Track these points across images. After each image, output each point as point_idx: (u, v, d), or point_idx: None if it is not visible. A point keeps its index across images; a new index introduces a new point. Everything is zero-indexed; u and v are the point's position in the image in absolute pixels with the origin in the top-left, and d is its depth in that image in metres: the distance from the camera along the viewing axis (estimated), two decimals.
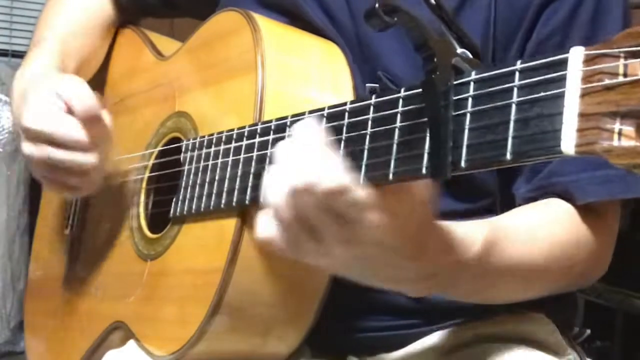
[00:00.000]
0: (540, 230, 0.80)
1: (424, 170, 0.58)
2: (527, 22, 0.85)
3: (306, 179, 0.58)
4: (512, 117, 0.53)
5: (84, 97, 0.89)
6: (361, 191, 0.58)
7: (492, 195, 0.90)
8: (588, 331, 0.96)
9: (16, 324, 2.76)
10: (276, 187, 0.60)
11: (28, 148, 0.91)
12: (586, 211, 0.82)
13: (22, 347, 2.48)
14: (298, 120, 0.73)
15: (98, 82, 1.17)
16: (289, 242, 0.62)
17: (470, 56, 0.59)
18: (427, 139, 0.58)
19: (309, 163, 0.58)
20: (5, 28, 3.21)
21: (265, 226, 0.62)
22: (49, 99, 0.89)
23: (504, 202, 0.88)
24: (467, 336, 0.91)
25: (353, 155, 0.63)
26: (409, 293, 0.71)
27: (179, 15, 1.13)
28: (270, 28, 0.86)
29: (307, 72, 0.85)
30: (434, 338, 0.92)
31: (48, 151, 0.90)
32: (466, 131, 0.56)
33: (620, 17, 0.85)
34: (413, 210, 0.61)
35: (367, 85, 0.88)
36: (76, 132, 0.89)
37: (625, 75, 0.48)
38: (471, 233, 0.70)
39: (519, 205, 0.86)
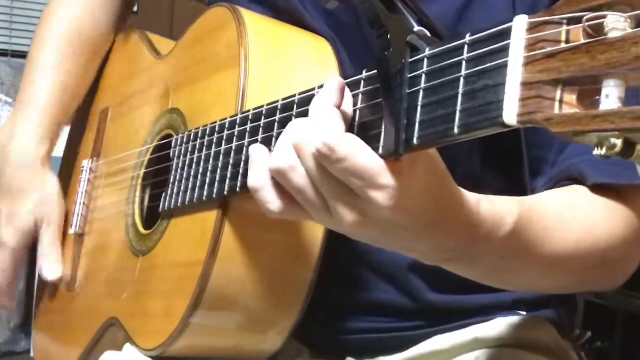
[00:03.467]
0: (568, 214, 0.74)
1: (380, 150, 0.57)
2: None
3: (303, 134, 0.59)
4: (460, 90, 0.52)
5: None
6: (361, 159, 0.57)
7: None
8: (589, 333, 0.93)
9: (16, 324, 2.78)
10: (281, 141, 0.63)
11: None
12: (610, 195, 0.76)
13: (22, 347, 2.50)
14: (273, 109, 0.73)
15: (101, 85, 1.19)
16: (295, 191, 0.62)
17: (428, 34, 0.58)
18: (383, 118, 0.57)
19: (314, 119, 0.60)
20: (5, 28, 3.22)
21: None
22: None
23: None
24: (468, 340, 0.89)
25: None
26: (422, 261, 0.67)
27: None
28: (256, 22, 0.86)
29: (293, 65, 0.85)
30: (434, 342, 0.90)
31: None
32: (419, 108, 0.55)
33: None
34: (423, 191, 0.59)
35: None
36: None
37: (567, 41, 0.47)
38: (502, 213, 0.66)
39: None
